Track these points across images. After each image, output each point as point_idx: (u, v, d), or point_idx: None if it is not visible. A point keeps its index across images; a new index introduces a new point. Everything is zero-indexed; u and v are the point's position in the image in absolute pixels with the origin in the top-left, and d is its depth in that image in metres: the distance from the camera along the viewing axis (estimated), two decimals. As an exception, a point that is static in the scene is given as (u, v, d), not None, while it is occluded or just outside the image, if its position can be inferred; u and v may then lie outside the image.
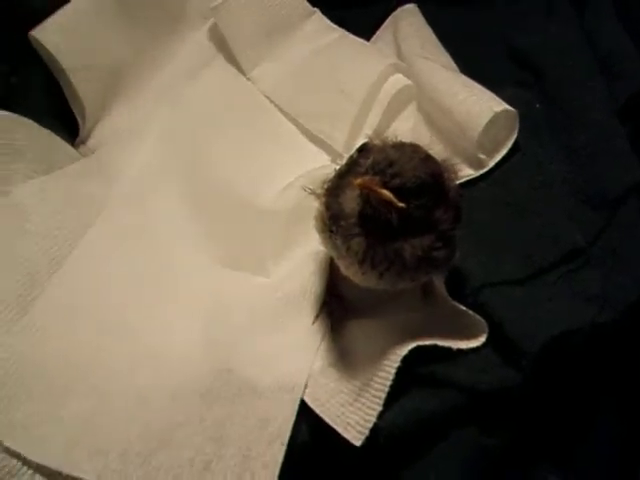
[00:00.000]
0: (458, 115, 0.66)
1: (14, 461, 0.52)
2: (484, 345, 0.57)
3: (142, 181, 0.71)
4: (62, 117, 0.74)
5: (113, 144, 0.74)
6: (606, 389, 0.60)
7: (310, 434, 0.55)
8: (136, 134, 0.74)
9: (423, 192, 0.50)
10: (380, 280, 0.53)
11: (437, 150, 0.57)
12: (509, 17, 0.77)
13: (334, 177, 0.56)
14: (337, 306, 0.63)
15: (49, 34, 0.71)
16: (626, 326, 0.58)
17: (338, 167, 0.58)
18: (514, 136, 0.65)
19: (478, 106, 0.65)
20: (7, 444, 0.52)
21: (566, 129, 0.67)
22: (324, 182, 0.57)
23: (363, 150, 0.60)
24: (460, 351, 0.56)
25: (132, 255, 0.67)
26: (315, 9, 0.81)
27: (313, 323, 0.62)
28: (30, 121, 0.68)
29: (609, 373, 0.60)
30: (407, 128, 0.72)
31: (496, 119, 0.64)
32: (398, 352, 0.55)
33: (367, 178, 0.48)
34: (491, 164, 0.65)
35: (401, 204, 0.49)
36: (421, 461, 0.55)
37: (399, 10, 0.81)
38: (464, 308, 0.58)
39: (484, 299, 0.58)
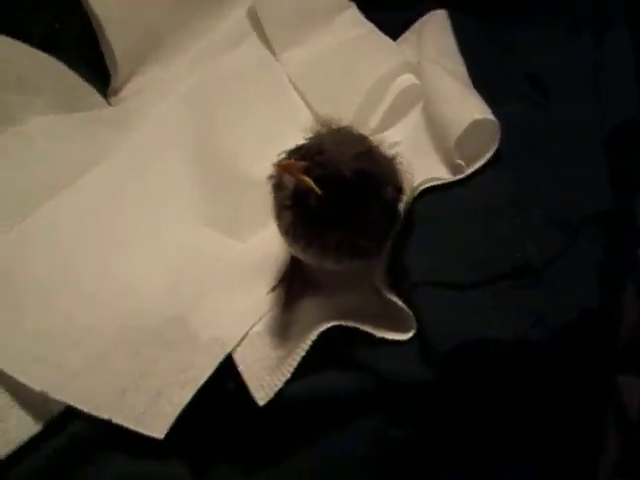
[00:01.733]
0: (445, 119, 0.66)
1: None
2: (410, 340, 0.57)
3: (154, 136, 0.76)
4: (99, 69, 0.79)
5: (140, 99, 0.79)
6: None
7: (236, 392, 0.57)
8: (163, 94, 0.79)
9: (346, 187, 0.51)
10: (305, 255, 0.56)
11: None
12: (531, 33, 0.76)
13: (288, 151, 0.58)
14: (299, 280, 0.65)
15: None
16: (563, 352, 0.57)
17: None
18: (494, 147, 0.64)
19: (462, 112, 0.65)
20: None
21: (557, 152, 0.66)
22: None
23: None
24: (387, 342, 0.57)
25: (126, 198, 0.71)
26: (352, 3, 0.83)
27: (267, 293, 0.64)
28: (59, 63, 0.73)
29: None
30: (411, 126, 0.73)
31: (478, 127, 0.64)
32: (319, 328, 0.57)
33: (289, 161, 0.51)
34: (468, 171, 0.64)
35: (319, 191, 0.50)
36: (325, 438, 0.56)
37: (428, 15, 0.81)
38: (396, 300, 0.59)
39: (419, 296, 0.58)
